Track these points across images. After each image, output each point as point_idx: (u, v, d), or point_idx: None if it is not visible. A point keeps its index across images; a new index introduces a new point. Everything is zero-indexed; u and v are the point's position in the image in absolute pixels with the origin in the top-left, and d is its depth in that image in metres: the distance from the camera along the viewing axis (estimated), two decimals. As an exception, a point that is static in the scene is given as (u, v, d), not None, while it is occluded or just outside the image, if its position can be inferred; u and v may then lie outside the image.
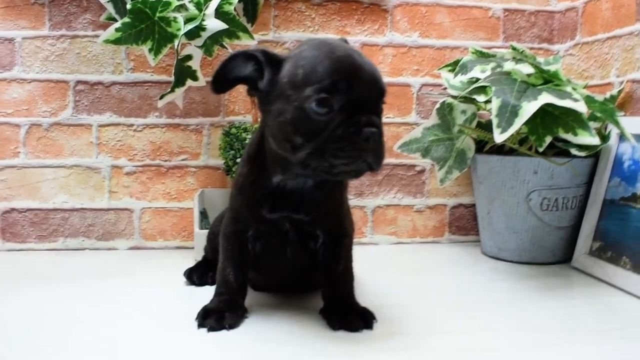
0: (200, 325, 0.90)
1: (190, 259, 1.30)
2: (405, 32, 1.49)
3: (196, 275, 1.14)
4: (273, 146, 0.85)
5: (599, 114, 1.13)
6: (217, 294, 0.95)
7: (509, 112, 1.01)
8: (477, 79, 1.18)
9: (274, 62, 0.83)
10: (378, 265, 1.32)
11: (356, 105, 0.77)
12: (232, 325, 0.90)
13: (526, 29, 1.53)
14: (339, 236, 0.97)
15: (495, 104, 1.02)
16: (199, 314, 0.92)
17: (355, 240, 1.20)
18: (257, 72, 0.84)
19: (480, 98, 1.17)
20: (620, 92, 1.28)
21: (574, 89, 1.08)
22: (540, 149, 1.09)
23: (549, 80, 1.10)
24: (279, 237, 0.94)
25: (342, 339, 0.87)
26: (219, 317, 0.90)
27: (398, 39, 1.49)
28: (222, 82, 0.85)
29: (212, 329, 0.89)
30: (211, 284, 1.10)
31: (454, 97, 1.31)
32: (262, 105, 0.86)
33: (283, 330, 0.90)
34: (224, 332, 0.89)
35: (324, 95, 0.76)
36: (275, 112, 0.81)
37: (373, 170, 0.80)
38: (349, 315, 0.91)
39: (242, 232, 0.94)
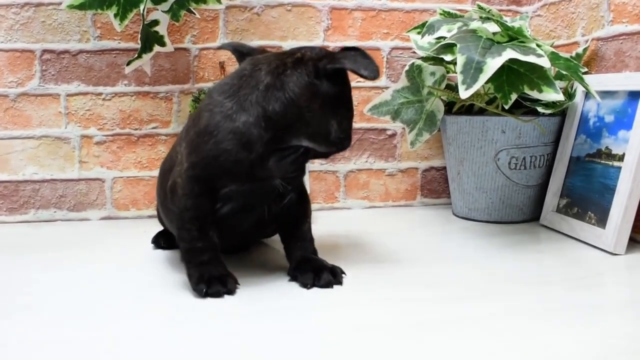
0: (207, 294, 0.86)
1: (163, 226, 1.30)
2: (374, -4, 1.49)
3: (163, 240, 1.14)
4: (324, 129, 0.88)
5: (564, 72, 1.14)
6: (203, 261, 0.90)
7: (473, 69, 1.02)
8: (444, 38, 1.19)
9: None
10: (351, 229, 1.33)
11: None
12: (233, 288, 0.89)
13: (494, -9, 1.54)
14: (303, 192, 0.99)
15: (460, 61, 1.03)
16: (199, 281, 0.87)
17: (328, 205, 1.22)
18: None
19: (447, 57, 1.17)
20: (585, 50, 1.29)
21: (538, 45, 1.09)
22: (506, 106, 1.10)
23: (514, 37, 1.11)
24: (260, 196, 0.94)
25: (312, 293, 0.89)
26: (223, 280, 0.88)
27: (367, 2, 1.49)
28: None
29: (217, 293, 0.87)
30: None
31: (423, 59, 1.32)
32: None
33: (251, 288, 0.91)
34: (191, 295, 0.89)
35: None
36: (343, 104, 0.91)
37: None
38: (319, 272, 0.92)
39: (214, 190, 0.91)
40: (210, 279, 0.88)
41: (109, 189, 1.44)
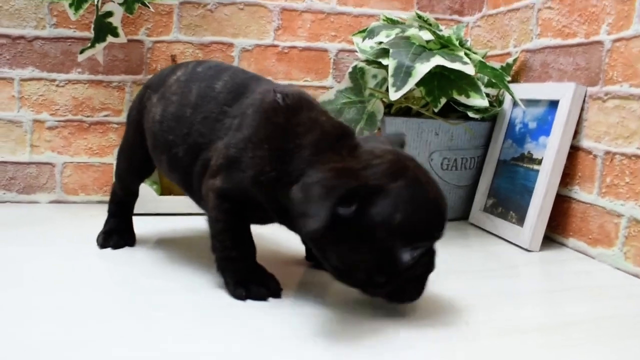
0: (248, 298, 0.84)
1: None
2: (325, -1, 1.56)
3: (113, 241, 1.09)
4: (334, 262, 0.78)
5: (493, 80, 1.23)
6: (240, 268, 0.86)
7: (403, 73, 1.10)
8: (382, 43, 1.26)
9: (370, 195, 0.75)
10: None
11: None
12: (278, 290, 0.87)
13: (439, 1, 1.62)
14: None
15: (391, 65, 1.10)
16: (237, 286, 0.85)
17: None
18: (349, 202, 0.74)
19: (384, 61, 1.24)
20: (515, 60, 1.38)
21: (466, 54, 1.17)
22: (436, 110, 1.18)
23: (445, 45, 1.19)
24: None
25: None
26: (265, 283, 0.86)
27: (317, 5, 1.56)
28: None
29: (259, 296, 0.84)
30: (131, 245, 1.10)
31: (366, 62, 1.39)
32: (332, 229, 0.73)
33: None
34: (141, 272, 0.94)
35: (419, 250, 0.76)
36: (353, 243, 0.75)
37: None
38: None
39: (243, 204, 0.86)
40: (249, 282, 0.85)
41: (59, 173, 1.48)
